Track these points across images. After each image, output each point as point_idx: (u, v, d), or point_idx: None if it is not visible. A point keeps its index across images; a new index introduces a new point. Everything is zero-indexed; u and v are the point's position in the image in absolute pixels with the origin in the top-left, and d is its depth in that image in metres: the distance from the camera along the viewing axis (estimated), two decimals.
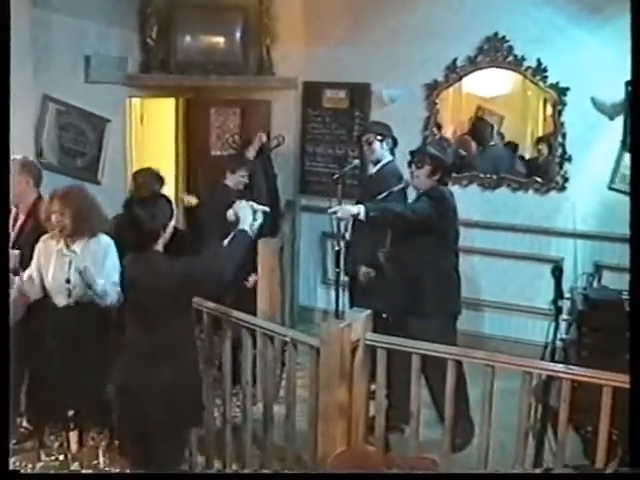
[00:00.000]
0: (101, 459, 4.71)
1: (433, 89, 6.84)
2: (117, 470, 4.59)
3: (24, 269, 4.66)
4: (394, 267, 5.15)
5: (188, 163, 8.05)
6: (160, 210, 3.67)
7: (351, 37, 7.01)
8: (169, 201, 3.79)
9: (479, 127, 7.40)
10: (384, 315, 4.75)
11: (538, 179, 6.67)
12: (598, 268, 6.23)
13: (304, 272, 7.69)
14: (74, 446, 4.83)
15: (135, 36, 7.26)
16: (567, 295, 4.82)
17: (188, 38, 7.38)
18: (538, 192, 6.67)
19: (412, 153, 5.11)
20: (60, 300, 4.62)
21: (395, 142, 5.81)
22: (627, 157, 6.05)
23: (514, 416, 3.75)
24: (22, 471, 4.72)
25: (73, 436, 4.84)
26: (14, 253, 4.72)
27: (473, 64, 6.68)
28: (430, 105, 6.89)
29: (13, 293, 4.37)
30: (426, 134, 6.90)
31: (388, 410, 4.89)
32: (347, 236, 5.79)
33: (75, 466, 4.78)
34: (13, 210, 4.99)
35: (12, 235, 4.93)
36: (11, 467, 4.26)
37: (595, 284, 5.78)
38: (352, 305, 5.66)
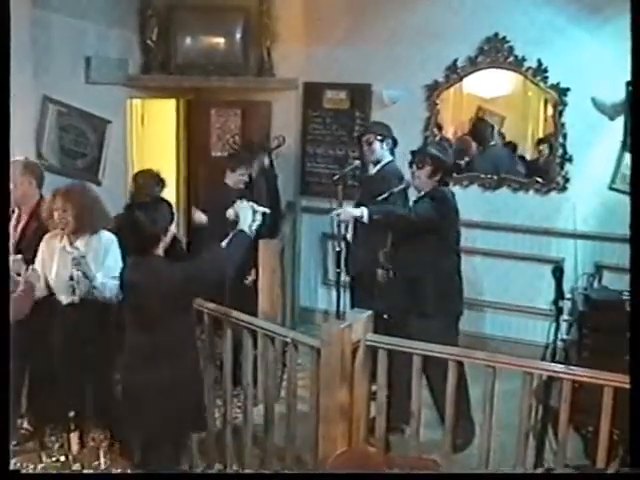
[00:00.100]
0: (102, 460, 4.70)
1: (434, 90, 6.84)
2: (118, 471, 4.58)
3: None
4: (395, 268, 5.14)
5: (189, 164, 8.06)
6: (161, 214, 3.67)
7: (351, 38, 7.01)
8: (170, 205, 3.79)
9: (479, 127, 7.40)
10: (385, 316, 4.76)
11: (539, 179, 6.67)
12: (599, 268, 6.23)
13: (305, 273, 7.69)
14: (75, 447, 4.83)
15: (135, 37, 7.26)
16: (568, 295, 4.83)
17: (188, 39, 7.38)
18: (539, 192, 6.67)
19: (413, 153, 5.12)
20: (64, 298, 4.63)
21: (395, 142, 5.81)
22: (628, 157, 6.05)
23: (515, 416, 3.75)
24: (23, 471, 4.73)
25: (74, 437, 4.84)
26: (17, 258, 4.72)
27: (474, 64, 6.68)
28: (431, 106, 6.89)
29: (20, 287, 4.36)
30: (427, 134, 6.90)
31: (388, 410, 4.91)
32: (348, 237, 5.79)
33: (76, 467, 4.78)
34: (16, 211, 4.99)
35: (15, 237, 4.93)
36: (12, 468, 4.26)
37: (596, 284, 5.78)
38: (353, 306, 5.65)
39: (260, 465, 4.53)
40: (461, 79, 6.83)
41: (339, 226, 5.46)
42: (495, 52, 6.56)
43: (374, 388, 4.14)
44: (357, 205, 5.79)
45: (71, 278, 4.57)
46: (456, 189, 5.30)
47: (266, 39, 7.27)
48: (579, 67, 6.27)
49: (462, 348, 4.09)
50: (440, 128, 7.03)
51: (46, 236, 4.70)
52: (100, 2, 6.78)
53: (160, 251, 3.68)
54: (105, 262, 4.54)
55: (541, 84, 6.49)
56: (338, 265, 5.74)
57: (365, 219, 4.84)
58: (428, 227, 4.81)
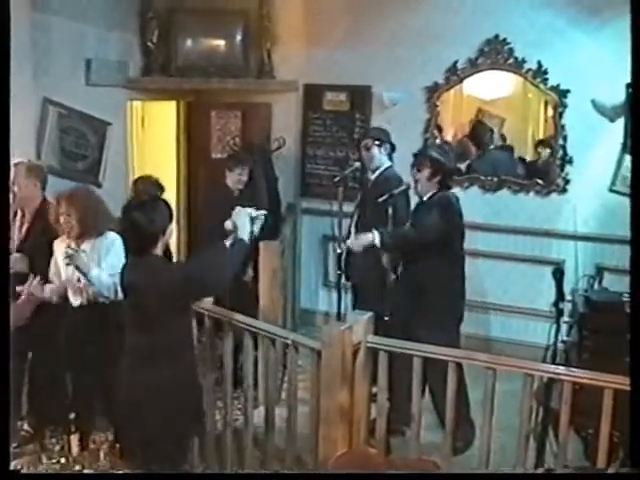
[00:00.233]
0: (102, 462, 4.71)
1: (434, 91, 6.85)
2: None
3: (34, 273, 4.68)
4: (399, 272, 5.13)
5: (189, 166, 8.06)
6: (159, 214, 3.67)
7: (351, 40, 7.01)
8: (168, 205, 3.79)
9: (478, 130, 7.40)
10: (386, 317, 4.75)
11: (539, 181, 6.67)
12: (599, 270, 6.23)
13: (305, 275, 7.69)
14: (75, 449, 4.84)
15: (136, 39, 7.27)
16: (568, 297, 4.83)
17: (189, 41, 7.39)
18: (539, 194, 6.67)
19: (415, 156, 5.13)
20: (75, 300, 4.69)
21: (393, 148, 5.80)
22: (628, 159, 6.05)
23: (515, 418, 3.75)
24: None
25: (74, 439, 4.85)
26: (16, 256, 4.74)
27: (474, 66, 6.68)
28: (431, 107, 6.89)
29: (22, 297, 4.38)
30: (427, 136, 6.90)
31: (389, 413, 4.91)
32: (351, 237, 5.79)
33: (76, 469, 4.78)
34: (19, 213, 5.00)
35: (20, 237, 4.95)
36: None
37: (596, 286, 5.78)
38: (355, 308, 5.64)
39: (260, 467, 4.53)
40: (461, 81, 6.84)
41: (340, 227, 5.48)
42: (495, 54, 6.56)
43: (374, 390, 4.14)
44: (358, 207, 5.81)
45: (78, 280, 4.61)
46: (456, 191, 5.29)
47: (266, 41, 7.28)
48: (579, 69, 6.27)
49: (462, 350, 4.09)
50: (440, 130, 7.04)
51: (56, 241, 4.74)
52: (100, 4, 6.79)
53: (159, 250, 3.68)
54: (106, 259, 4.57)
55: (541, 86, 6.50)
56: (339, 267, 5.75)
57: (377, 244, 4.86)
58: (438, 239, 4.83)
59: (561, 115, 6.45)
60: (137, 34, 7.27)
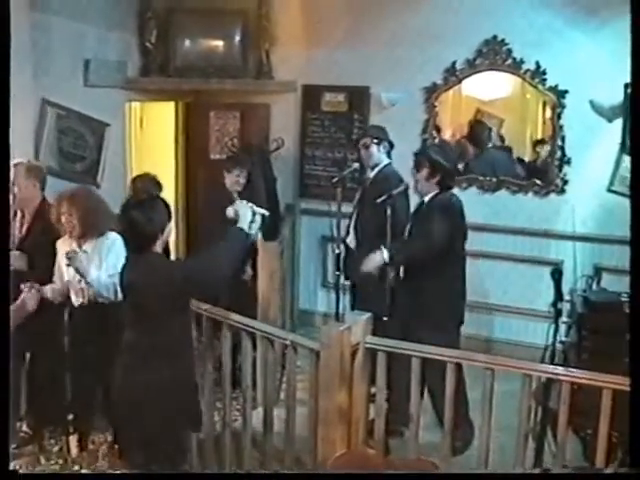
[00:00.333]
0: (101, 463, 4.71)
1: (432, 92, 6.85)
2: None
3: (33, 271, 4.69)
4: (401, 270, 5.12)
5: (187, 166, 8.06)
6: (157, 213, 3.68)
7: (350, 40, 7.02)
8: (166, 204, 3.80)
9: (477, 130, 7.40)
10: (384, 318, 4.75)
11: (537, 182, 6.68)
12: (597, 270, 6.23)
13: (304, 275, 7.69)
14: (74, 450, 4.84)
15: (134, 40, 7.27)
16: (567, 297, 4.83)
17: (187, 42, 7.39)
18: (538, 195, 6.67)
19: (415, 155, 5.14)
20: (76, 299, 4.70)
21: (391, 145, 5.81)
22: (626, 159, 6.06)
23: (514, 418, 3.75)
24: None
25: (73, 440, 4.85)
26: (15, 254, 4.74)
27: (472, 67, 6.69)
28: (429, 108, 6.90)
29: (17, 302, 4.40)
30: (425, 137, 6.91)
31: (388, 413, 4.91)
32: (351, 241, 5.79)
33: (75, 470, 4.78)
34: (19, 213, 5.00)
35: (20, 236, 4.95)
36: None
37: (594, 286, 5.78)
38: (354, 308, 5.64)
39: (259, 467, 4.53)
40: (460, 81, 6.84)
41: (339, 228, 5.48)
42: (494, 54, 6.57)
43: (373, 390, 4.14)
44: (357, 206, 5.80)
45: (80, 280, 4.62)
46: (455, 191, 5.29)
47: (265, 42, 7.28)
48: (577, 69, 6.28)
49: (461, 350, 4.09)
50: (439, 130, 7.04)
51: (59, 241, 4.76)
52: (99, 4, 6.79)
53: (158, 249, 3.69)
54: (107, 259, 4.58)
55: (539, 86, 6.50)
56: (337, 267, 5.75)
57: (387, 261, 4.86)
58: (444, 247, 4.83)
59: (559, 115, 6.45)
60: (136, 34, 7.27)
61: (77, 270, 4.54)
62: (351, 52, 7.00)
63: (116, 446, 4.52)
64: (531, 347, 5.79)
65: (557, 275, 4.09)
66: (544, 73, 6.42)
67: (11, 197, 4.67)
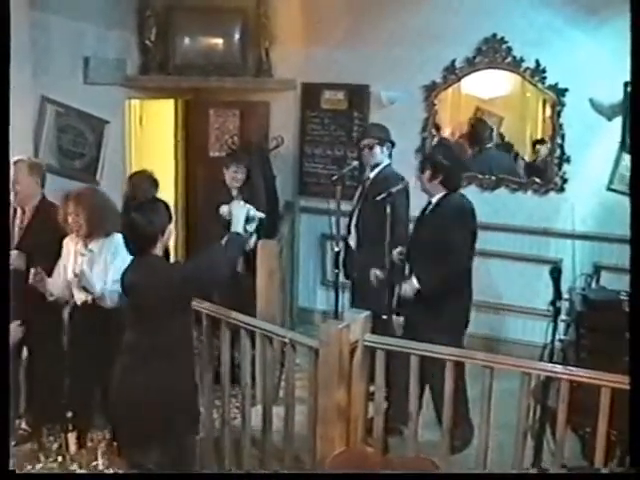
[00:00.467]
0: (100, 460, 4.70)
1: (432, 90, 6.85)
2: (119, 472, 4.58)
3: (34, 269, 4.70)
4: (410, 268, 5.10)
5: (187, 164, 8.06)
6: (157, 215, 3.69)
7: (350, 39, 7.01)
8: (167, 206, 3.81)
9: (478, 128, 7.39)
10: (383, 316, 4.75)
11: (537, 180, 6.68)
12: (597, 269, 6.23)
13: (303, 273, 7.69)
14: (73, 447, 4.84)
15: (134, 38, 7.27)
16: (566, 296, 4.83)
17: (187, 40, 7.39)
18: (537, 193, 6.67)
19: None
20: (79, 297, 4.70)
21: (393, 145, 5.80)
22: (626, 158, 6.06)
23: (513, 416, 3.75)
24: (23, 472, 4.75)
25: (72, 437, 4.86)
26: (14, 253, 4.74)
27: (472, 65, 6.68)
28: (429, 106, 6.90)
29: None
30: (425, 135, 6.91)
31: (388, 411, 4.91)
32: (352, 240, 5.78)
33: (74, 467, 4.78)
34: (18, 210, 5.00)
35: (20, 234, 4.96)
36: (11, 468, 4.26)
37: (594, 285, 5.78)
38: (353, 306, 5.63)
39: (258, 465, 4.53)
40: (459, 80, 6.84)
41: (338, 226, 5.49)
42: (493, 53, 6.56)
43: (372, 389, 4.14)
44: (357, 205, 5.79)
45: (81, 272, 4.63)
46: None
47: (264, 40, 7.28)
48: (577, 68, 6.28)
49: (460, 349, 4.09)
50: (438, 129, 7.04)
51: (65, 239, 4.78)
52: (99, 3, 6.79)
53: (158, 251, 3.71)
54: (114, 263, 4.58)
55: (539, 85, 6.50)
56: (337, 265, 5.74)
57: (418, 288, 4.85)
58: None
59: (559, 114, 6.45)
60: (135, 32, 7.26)
61: (84, 288, 4.57)
62: (351, 50, 7.00)
63: (115, 444, 4.52)
64: (530, 345, 5.79)
65: (556, 273, 4.10)
66: (544, 71, 6.42)
67: (12, 194, 4.68)
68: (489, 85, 7.11)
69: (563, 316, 4.67)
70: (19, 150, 4.85)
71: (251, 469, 4.53)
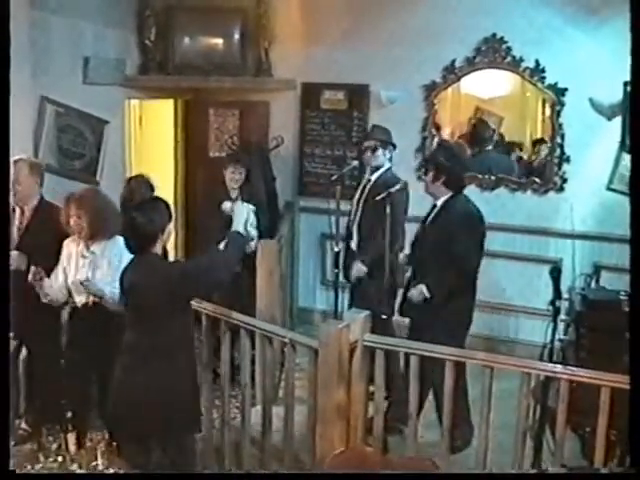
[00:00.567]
0: (99, 460, 4.70)
1: (431, 90, 6.85)
2: (120, 471, 4.58)
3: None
4: (415, 270, 5.10)
5: (187, 164, 8.05)
6: (158, 214, 3.70)
7: (350, 38, 7.01)
8: (167, 205, 3.82)
9: (479, 128, 7.40)
10: (383, 316, 4.75)
11: (536, 180, 6.68)
12: (596, 268, 6.24)
13: (303, 273, 7.68)
14: (72, 447, 4.85)
15: (133, 37, 7.26)
16: (565, 296, 4.83)
17: (187, 40, 7.39)
18: (537, 193, 6.68)
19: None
20: (80, 299, 4.70)
21: (394, 148, 5.79)
22: (626, 158, 6.06)
23: (513, 416, 3.76)
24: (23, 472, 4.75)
25: (71, 437, 4.86)
26: (14, 254, 4.74)
27: (471, 65, 6.69)
28: (429, 106, 6.90)
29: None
30: (424, 135, 6.91)
31: (391, 410, 4.91)
32: (353, 241, 5.77)
33: (73, 467, 4.78)
34: (17, 210, 4.99)
35: (19, 234, 4.95)
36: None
37: (593, 284, 5.78)
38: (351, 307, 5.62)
39: (258, 465, 4.53)
40: (459, 79, 6.84)
41: (337, 226, 5.48)
42: (493, 52, 6.57)
43: (372, 388, 4.14)
44: (358, 207, 5.78)
45: (87, 280, 4.63)
46: None
47: (264, 40, 7.27)
48: (577, 68, 6.28)
49: (460, 348, 4.09)
50: (438, 128, 7.04)
51: (66, 241, 4.77)
52: (98, 3, 6.78)
53: (158, 250, 3.71)
54: (120, 266, 4.57)
55: (539, 84, 6.50)
56: (336, 265, 5.74)
57: (428, 296, 4.84)
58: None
59: (559, 114, 6.45)
60: (135, 32, 7.26)
61: (95, 294, 4.57)
62: (351, 50, 6.99)
63: (114, 444, 4.52)
64: (530, 345, 5.79)
65: (556, 273, 4.09)
66: (543, 71, 6.42)
67: (11, 194, 4.67)
68: (489, 85, 7.12)
69: (563, 316, 4.67)
70: (19, 150, 4.85)
71: (251, 469, 4.53)
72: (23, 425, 5.17)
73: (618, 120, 6.17)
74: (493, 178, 6.81)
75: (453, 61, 6.71)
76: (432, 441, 4.28)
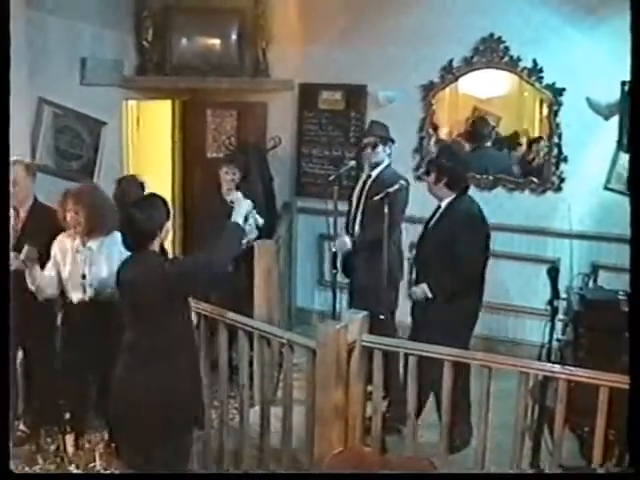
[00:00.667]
0: (98, 461, 4.70)
1: (429, 90, 6.85)
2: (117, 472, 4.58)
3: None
4: (421, 273, 5.11)
5: (184, 165, 8.05)
6: (156, 211, 3.70)
7: (347, 38, 7.01)
8: (165, 202, 3.81)
9: (479, 126, 7.39)
10: (381, 316, 4.75)
11: (534, 179, 6.69)
12: (594, 268, 6.24)
13: (301, 273, 7.68)
14: (70, 449, 4.84)
15: (131, 38, 7.26)
16: (563, 295, 4.83)
17: (184, 40, 7.38)
18: (534, 192, 6.68)
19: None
20: (76, 296, 4.66)
21: (393, 143, 5.79)
22: (623, 157, 6.05)
23: (511, 416, 3.76)
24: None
25: (69, 439, 4.85)
26: (14, 255, 4.72)
27: (469, 65, 6.69)
28: (426, 106, 6.90)
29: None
30: (422, 135, 6.91)
31: (391, 410, 4.91)
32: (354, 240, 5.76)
33: (72, 469, 4.77)
34: (13, 213, 4.97)
35: (15, 238, 4.93)
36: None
37: (591, 284, 5.78)
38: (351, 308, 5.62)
39: (257, 465, 4.53)
40: (456, 79, 6.85)
41: (335, 226, 5.48)
42: (490, 52, 6.57)
43: (370, 388, 4.14)
44: (358, 205, 5.77)
45: (83, 277, 4.62)
46: None
47: (261, 40, 7.27)
48: (574, 67, 6.28)
49: (458, 349, 4.09)
50: (436, 128, 7.04)
51: (60, 236, 4.73)
52: (95, 3, 6.78)
53: (155, 247, 3.70)
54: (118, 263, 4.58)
55: (536, 84, 6.51)
56: (334, 266, 5.74)
57: (430, 296, 4.87)
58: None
59: (556, 113, 6.46)
60: (132, 33, 7.26)
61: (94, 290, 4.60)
62: (348, 50, 6.99)
63: (113, 445, 4.51)
64: (528, 345, 5.80)
65: (554, 273, 4.09)
66: (541, 71, 6.43)
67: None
68: (486, 85, 7.13)
69: (561, 316, 4.67)
70: (16, 151, 4.83)
71: (249, 469, 4.53)
72: (21, 427, 5.16)
73: (615, 120, 6.14)
74: (491, 178, 6.81)
75: (451, 61, 6.71)
76: (431, 441, 4.28)
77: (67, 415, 4.80)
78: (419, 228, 5.29)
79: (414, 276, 5.23)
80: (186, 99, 7.90)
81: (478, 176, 6.83)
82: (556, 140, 6.49)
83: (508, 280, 6.72)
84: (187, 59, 7.39)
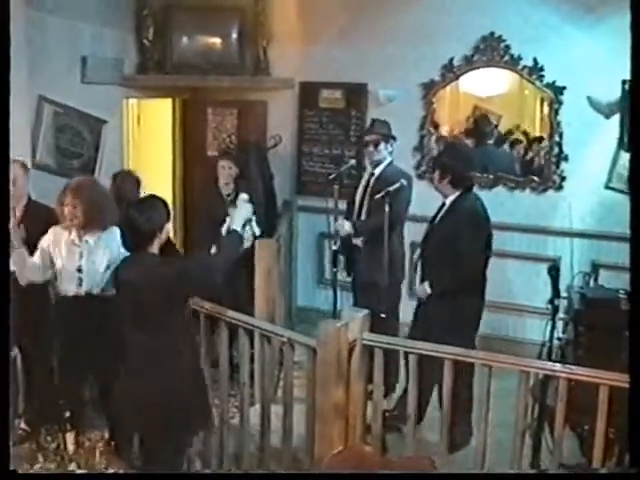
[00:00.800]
0: (98, 460, 4.70)
1: (430, 88, 6.85)
2: (120, 471, 4.57)
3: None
4: (427, 275, 5.11)
5: (185, 163, 8.06)
6: (156, 212, 3.69)
7: (348, 37, 7.01)
8: (166, 204, 3.81)
9: (481, 124, 7.38)
10: (382, 315, 4.75)
11: (535, 178, 6.68)
12: (595, 267, 6.24)
13: (301, 272, 7.69)
14: (71, 447, 4.84)
15: (131, 37, 7.26)
16: (564, 294, 4.83)
17: (184, 39, 7.39)
18: (535, 191, 6.68)
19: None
20: (70, 288, 4.62)
21: (395, 141, 5.78)
22: (624, 156, 6.05)
23: (511, 415, 3.76)
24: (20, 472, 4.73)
25: (70, 437, 4.85)
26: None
27: (470, 63, 6.69)
28: (427, 105, 6.90)
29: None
30: (422, 133, 6.91)
31: (394, 411, 4.91)
32: (359, 243, 5.75)
33: (72, 467, 4.77)
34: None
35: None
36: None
37: (592, 283, 5.77)
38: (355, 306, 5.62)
39: (257, 465, 4.53)
40: (457, 78, 6.84)
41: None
42: (491, 51, 6.57)
43: (370, 387, 4.14)
44: (362, 202, 5.77)
45: (79, 270, 4.59)
46: None
47: (262, 39, 7.28)
48: (575, 66, 6.28)
49: (458, 347, 4.09)
50: (436, 127, 7.04)
51: (53, 228, 4.69)
52: (96, 2, 6.78)
53: (155, 249, 3.70)
54: (118, 257, 4.55)
55: (537, 83, 6.50)
56: (334, 264, 5.74)
57: (430, 293, 4.90)
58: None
59: (557, 112, 6.46)
60: (133, 31, 7.26)
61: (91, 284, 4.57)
62: (349, 49, 6.99)
63: (113, 443, 4.52)
64: (528, 344, 5.80)
65: (554, 272, 4.09)
66: (542, 69, 6.43)
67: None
68: (487, 83, 7.11)
69: (561, 314, 4.67)
70: (17, 150, 4.83)
71: (249, 468, 4.53)
72: (22, 425, 5.16)
73: (616, 118, 6.15)
74: (491, 177, 6.81)
75: (451, 59, 6.71)
76: (431, 440, 4.28)
77: (67, 413, 4.80)
78: (420, 226, 5.29)
79: (419, 274, 5.23)
80: (187, 97, 7.91)
81: (479, 175, 6.81)
82: (557, 139, 6.48)
83: (509, 279, 6.72)
84: (188, 57, 7.39)
